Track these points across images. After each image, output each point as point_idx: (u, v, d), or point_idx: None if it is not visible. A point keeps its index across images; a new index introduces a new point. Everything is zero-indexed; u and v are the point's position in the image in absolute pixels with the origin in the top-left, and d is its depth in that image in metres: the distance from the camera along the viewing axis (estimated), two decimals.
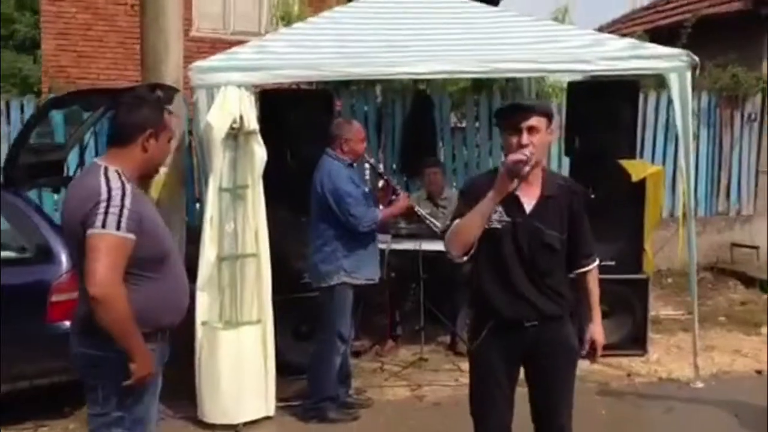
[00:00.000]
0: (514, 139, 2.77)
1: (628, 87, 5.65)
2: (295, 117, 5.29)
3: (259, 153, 4.50)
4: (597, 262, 3.03)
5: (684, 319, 6.56)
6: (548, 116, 2.83)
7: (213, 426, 4.48)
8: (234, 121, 4.41)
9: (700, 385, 5.12)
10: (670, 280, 7.94)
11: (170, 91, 5.01)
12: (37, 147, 5.01)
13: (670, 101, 7.74)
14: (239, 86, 4.43)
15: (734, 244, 8.65)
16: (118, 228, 2.45)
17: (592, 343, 3.02)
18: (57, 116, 6.27)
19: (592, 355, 3.05)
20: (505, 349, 2.88)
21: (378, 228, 4.57)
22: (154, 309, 2.63)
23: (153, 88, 5.02)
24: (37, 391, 4.40)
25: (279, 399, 4.69)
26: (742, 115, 8.65)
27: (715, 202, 8.71)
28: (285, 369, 4.84)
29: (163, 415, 4.56)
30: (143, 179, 2.79)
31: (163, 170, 5.61)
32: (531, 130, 2.76)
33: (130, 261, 2.51)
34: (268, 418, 4.57)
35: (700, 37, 8.35)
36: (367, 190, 4.63)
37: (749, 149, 8.70)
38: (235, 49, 4.92)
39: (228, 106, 4.40)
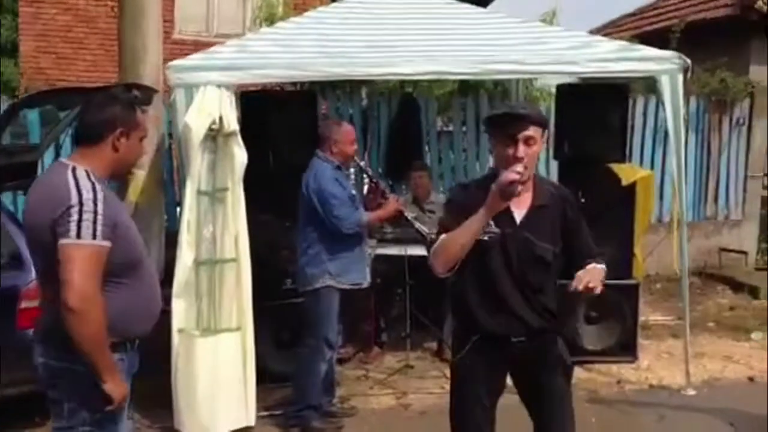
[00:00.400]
0: (510, 151, 2.57)
1: (618, 90, 5.55)
2: (277, 119, 5.17)
3: (239, 155, 4.37)
4: (601, 264, 2.70)
5: (674, 325, 6.47)
6: (544, 125, 2.65)
7: None
8: (213, 122, 4.28)
9: (692, 392, 5.03)
10: (658, 285, 7.85)
11: (148, 92, 4.85)
12: (10, 148, 4.84)
13: (658, 105, 7.83)
14: (219, 86, 4.29)
15: (722, 249, 8.60)
16: (94, 237, 2.34)
17: (579, 277, 2.57)
18: (32, 116, 6.11)
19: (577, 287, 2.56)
20: (490, 364, 2.75)
21: (365, 231, 4.44)
22: (126, 317, 2.50)
23: (130, 87, 4.89)
24: (6, 400, 4.23)
25: (261, 408, 4.56)
26: (731, 120, 8.61)
27: (704, 207, 8.66)
28: (266, 377, 4.71)
29: (138, 425, 4.45)
30: (115, 180, 2.65)
31: (141, 173, 5.49)
32: (528, 140, 2.57)
33: (104, 268, 2.39)
34: (248, 428, 4.42)
35: (687, 42, 8.28)
36: (353, 192, 4.50)
37: (737, 154, 8.66)
38: (215, 48, 4.79)
39: (207, 107, 4.27)
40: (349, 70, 4.57)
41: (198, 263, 4.33)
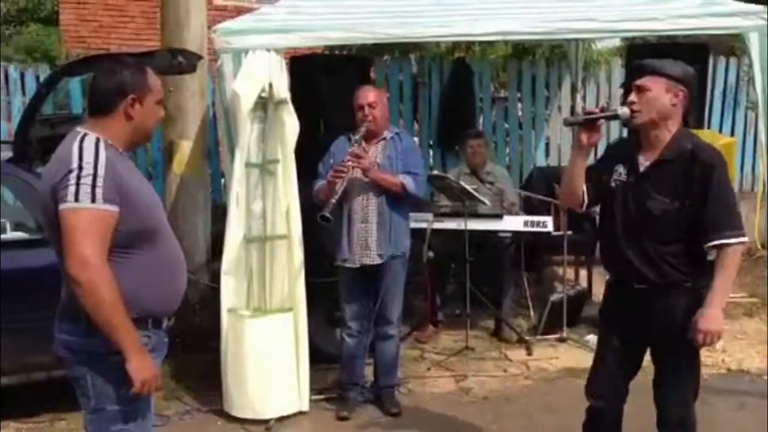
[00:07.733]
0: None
1: (697, 50, 5.10)
2: (328, 86, 4.88)
3: (291, 124, 4.10)
4: (732, 240, 2.69)
5: (745, 303, 6.04)
6: (663, 74, 2.75)
7: (242, 420, 4.13)
8: (263, 90, 4.02)
9: None
10: None
11: (193, 58, 4.60)
12: (51, 119, 4.65)
13: (727, 67, 7.29)
14: (268, 50, 4.01)
15: None
16: (93, 200, 2.20)
17: (698, 329, 2.68)
18: (74, 87, 5.93)
19: (697, 342, 2.72)
20: (622, 311, 2.88)
21: (320, 200, 3.98)
22: (143, 291, 2.33)
23: (174, 53, 4.64)
24: (52, 382, 4.07)
25: (314, 391, 4.34)
26: None
27: None
28: (318, 358, 4.47)
29: (188, 407, 4.32)
30: (134, 147, 2.50)
31: (186, 143, 5.27)
32: (640, 88, 2.73)
33: (112, 236, 2.26)
34: (301, 413, 4.21)
35: None
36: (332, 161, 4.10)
37: None
38: (264, 9, 4.49)
39: (256, 73, 4.00)
40: (410, 31, 4.20)
41: (248, 240, 4.10)
